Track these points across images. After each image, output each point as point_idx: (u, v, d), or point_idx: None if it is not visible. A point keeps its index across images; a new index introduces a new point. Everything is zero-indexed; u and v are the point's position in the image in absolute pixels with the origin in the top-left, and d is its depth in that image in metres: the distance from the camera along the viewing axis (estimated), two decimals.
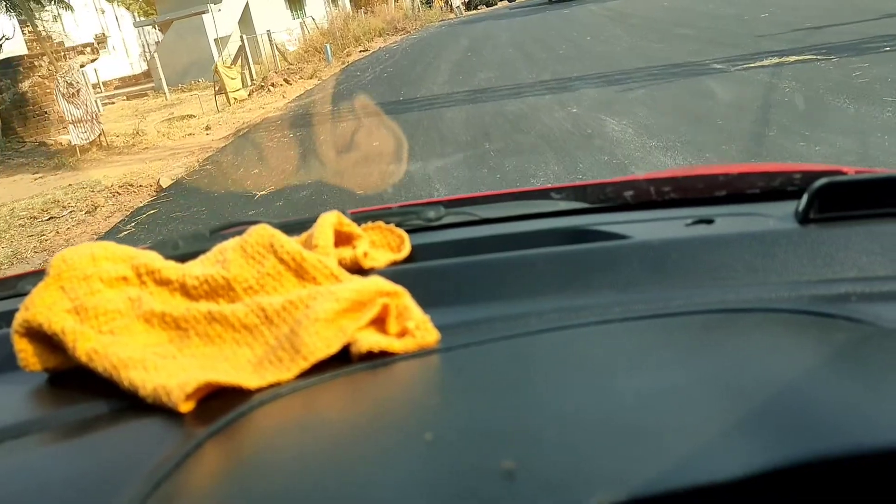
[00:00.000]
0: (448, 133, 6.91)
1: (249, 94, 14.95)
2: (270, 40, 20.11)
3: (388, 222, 0.89)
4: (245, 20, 25.29)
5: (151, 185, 7.74)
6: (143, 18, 30.46)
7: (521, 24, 18.12)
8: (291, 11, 27.82)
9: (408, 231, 0.89)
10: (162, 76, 20.29)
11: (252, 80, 18.12)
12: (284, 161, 7.29)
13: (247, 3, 25.63)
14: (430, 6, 29.67)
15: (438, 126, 7.32)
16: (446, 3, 30.57)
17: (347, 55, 18.75)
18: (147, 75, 24.36)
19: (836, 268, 0.67)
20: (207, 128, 11.18)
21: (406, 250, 0.84)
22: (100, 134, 10.80)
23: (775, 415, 0.40)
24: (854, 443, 0.37)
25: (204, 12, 23.91)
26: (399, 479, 0.39)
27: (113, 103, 23.14)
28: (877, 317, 0.54)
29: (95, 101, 19.94)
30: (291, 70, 15.77)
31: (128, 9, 33.50)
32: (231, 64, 20.40)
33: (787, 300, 0.61)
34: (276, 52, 20.06)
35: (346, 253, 0.79)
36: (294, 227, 0.82)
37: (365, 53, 18.58)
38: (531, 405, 0.46)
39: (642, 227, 0.83)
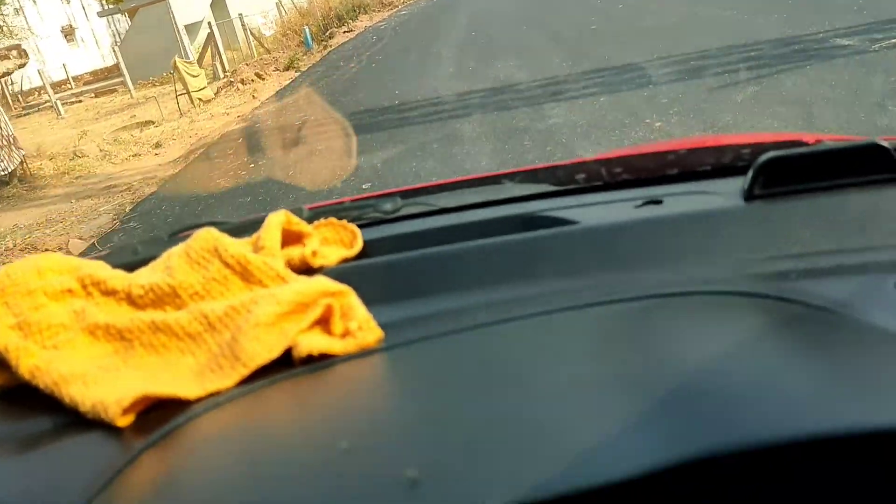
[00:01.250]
0: (473, 170, 4.53)
1: (217, 93, 12.53)
2: (243, 25, 17.60)
3: (344, 217, 0.86)
4: (218, 3, 22.77)
5: (61, 250, 5.42)
6: (110, 6, 27.83)
7: None
8: None
9: (366, 224, 0.87)
10: (125, 73, 17.98)
11: (224, 70, 15.68)
12: (235, 213, 4.95)
13: None
14: None
15: (456, 154, 4.94)
16: None
17: (330, 37, 16.20)
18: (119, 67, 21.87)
19: (779, 244, 0.65)
20: (157, 146, 8.82)
21: (358, 246, 0.80)
22: (21, 162, 8.43)
23: (678, 407, 0.40)
24: (747, 437, 0.37)
25: None
26: (311, 490, 0.40)
27: (80, 101, 21.00)
28: (810, 294, 0.53)
29: (60, 109, 17.73)
30: (265, 61, 13.30)
31: None
32: (199, 54, 17.96)
33: (726, 281, 0.59)
34: (251, 39, 17.57)
35: (295, 252, 0.75)
36: (246, 228, 0.80)
37: (349, 35, 15.98)
38: (448, 407, 0.46)
39: (592, 211, 0.82)
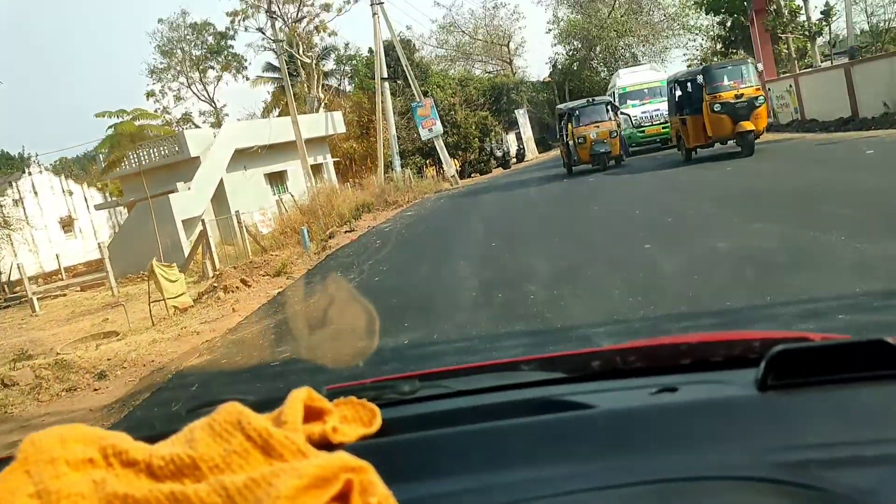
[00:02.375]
0: None
1: (197, 298, 10.91)
2: (239, 223, 16.47)
3: (363, 397, 0.85)
4: (219, 198, 22.00)
5: None
6: (113, 199, 27.27)
7: (542, 197, 14.33)
8: (272, 186, 24.68)
9: (384, 405, 0.86)
10: (109, 271, 16.74)
11: (214, 269, 14.22)
12: None
13: (221, 180, 22.42)
14: (421, 176, 26.52)
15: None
16: (438, 172, 27.50)
17: (330, 237, 14.93)
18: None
19: (794, 434, 0.66)
20: (101, 376, 6.97)
21: (377, 424, 0.81)
22: None
23: None
24: None
25: (171, 192, 20.70)
26: None
27: (65, 294, 19.73)
28: (832, 483, 0.54)
29: (36, 306, 16.23)
30: (255, 264, 11.82)
31: (99, 189, 30.49)
32: (189, 251, 16.72)
33: (745, 467, 0.59)
34: (247, 236, 16.36)
35: (316, 428, 0.76)
36: (267, 405, 0.78)
37: (351, 236, 14.69)
38: None
39: (609, 397, 0.82)
